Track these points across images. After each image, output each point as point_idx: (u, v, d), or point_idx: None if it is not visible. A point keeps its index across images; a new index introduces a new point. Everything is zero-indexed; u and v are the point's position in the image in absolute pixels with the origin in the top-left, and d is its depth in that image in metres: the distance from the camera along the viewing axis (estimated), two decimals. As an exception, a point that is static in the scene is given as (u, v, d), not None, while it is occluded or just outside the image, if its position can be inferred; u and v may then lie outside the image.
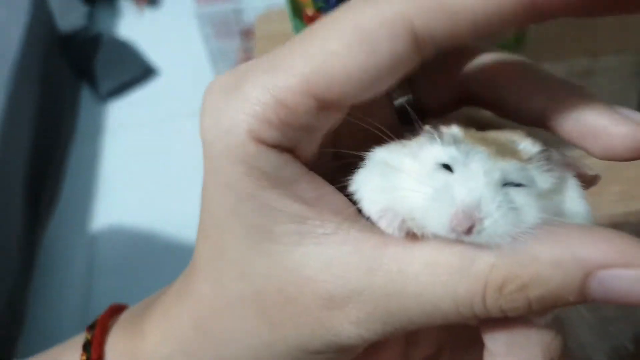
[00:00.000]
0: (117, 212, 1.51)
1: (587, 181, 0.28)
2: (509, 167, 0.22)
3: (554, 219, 0.22)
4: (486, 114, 0.28)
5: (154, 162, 1.60)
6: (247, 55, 1.41)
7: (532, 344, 0.24)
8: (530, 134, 0.25)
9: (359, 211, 0.25)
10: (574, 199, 0.24)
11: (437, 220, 0.22)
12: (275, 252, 0.25)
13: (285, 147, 0.24)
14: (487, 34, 0.21)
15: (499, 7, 0.20)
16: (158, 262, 1.25)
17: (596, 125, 0.24)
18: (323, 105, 0.23)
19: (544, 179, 0.23)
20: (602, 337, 0.47)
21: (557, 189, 0.24)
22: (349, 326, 0.24)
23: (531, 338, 0.24)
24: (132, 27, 1.94)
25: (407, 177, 0.23)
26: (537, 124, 0.26)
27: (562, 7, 0.21)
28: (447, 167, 0.23)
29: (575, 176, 0.25)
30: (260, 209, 0.24)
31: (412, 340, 0.34)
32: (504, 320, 0.24)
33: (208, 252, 0.27)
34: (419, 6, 0.21)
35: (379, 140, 0.26)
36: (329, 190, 0.25)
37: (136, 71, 1.73)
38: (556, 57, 0.67)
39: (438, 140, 0.23)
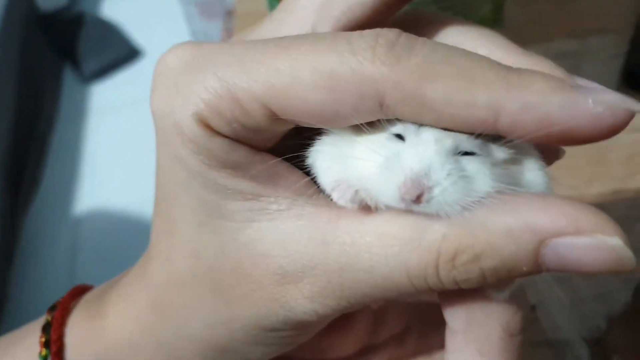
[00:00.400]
0: (100, 194, 1.50)
1: (552, 155, 0.27)
2: (462, 136, 0.22)
3: (508, 188, 0.21)
4: None
5: (138, 144, 1.57)
6: (230, 35, 1.40)
7: (492, 321, 0.24)
8: None
9: (318, 186, 0.25)
10: (532, 170, 0.24)
11: (387, 189, 0.22)
12: (228, 229, 0.24)
13: (234, 138, 0.23)
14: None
15: (467, 116, 0.21)
16: (141, 245, 1.23)
17: None
18: (276, 117, 0.23)
19: (500, 149, 0.22)
20: (577, 317, 0.47)
21: (515, 160, 0.23)
22: (304, 301, 0.24)
23: (491, 314, 0.24)
24: (115, 7, 1.91)
25: (360, 146, 0.23)
26: None
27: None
28: (401, 137, 0.22)
29: (536, 148, 0.24)
30: (210, 186, 0.24)
31: (379, 319, 0.34)
32: (463, 297, 0.24)
33: (160, 227, 0.27)
34: (394, 86, 0.21)
35: None
36: (284, 168, 0.25)
37: (120, 52, 1.71)
38: (536, 39, 0.66)
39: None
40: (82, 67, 1.69)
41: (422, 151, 0.21)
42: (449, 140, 0.22)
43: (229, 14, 1.35)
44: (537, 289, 0.49)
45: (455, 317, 0.24)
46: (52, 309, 0.33)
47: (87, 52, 1.68)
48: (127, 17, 1.84)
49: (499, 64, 0.21)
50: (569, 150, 0.57)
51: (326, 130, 0.25)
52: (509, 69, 0.21)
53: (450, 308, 0.24)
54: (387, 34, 0.21)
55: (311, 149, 0.25)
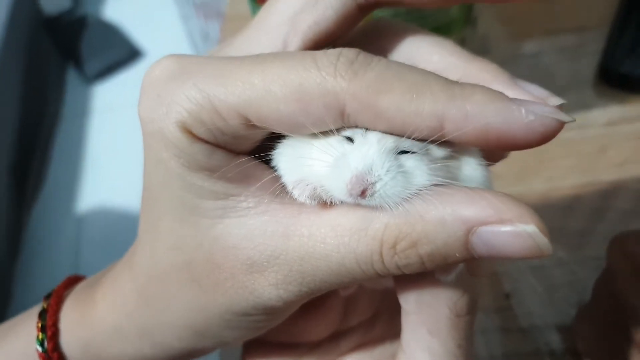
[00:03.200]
0: (103, 192, 1.52)
1: (496, 155, 0.30)
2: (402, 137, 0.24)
3: (444, 182, 0.24)
4: None
5: (139, 143, 1.58)
6: (226, 36, 1.42)
7: (440, 302, 0.26)
8: None
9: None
10: (471, 165, 0.26)
11: (337, 186, 0.24)
12: (202, 225, 0.27)
13: (214, 144, 0.25)
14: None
15: (415, 123, 0.23)
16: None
17: None
18: (251, 124, 0.25)
19: (439, 149, 0.25)
20: (549, 305, 0.50)
21: (454, 157, 0.25)
22: (269, 288, 0.26)
23: (438, 296, 0.26)
24: (118, 8, 1.93)
25: (315, 149, 0.25)
26: None
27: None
28: (351, 140, 0.25)
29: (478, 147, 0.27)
30: (187, 186, 0.26)
31: (349, 306, 0.36)
32: (414, 281, 0.26)
33: (145, 222, 0.29)
34: (352, 98, 0.23)
35: None
36: (257, 168, 0.27)
37: (122, 53, 1.73)
38: (512, 37, 0.68)
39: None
40: (85, 67, 1.71)
41: (366, 151, 0.24)
42: (389, 140, 0.24)
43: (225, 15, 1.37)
44: (512, 278, 0.51)
45: (408, 300, 0.27)
46: (47, 297, 0.35)
47: (90, 54, 1.70)
48: (128, 19, 1.86)
49: (444, 79, 0.24)
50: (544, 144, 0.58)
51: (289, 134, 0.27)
52: (453, 82, 0.23)
53: (403, 291, 0.27)
54: (347, 53, 0.24)
55: (275, 151, 0.27)
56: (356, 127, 0.24)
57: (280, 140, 0.27)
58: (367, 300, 0.37)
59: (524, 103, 0.23)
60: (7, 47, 1.44)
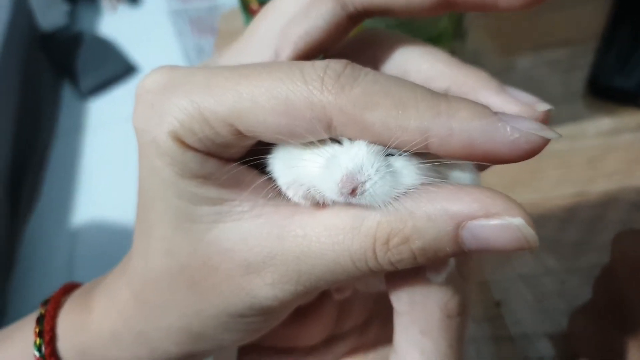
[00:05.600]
0: (97, 207, 1.52)
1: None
2: None
3: (433, 180, 0.25)
4: None
5: (133, 159, 1.59)
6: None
7: (431, 303, 0.27)
8: None
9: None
10: (459, 166, 0.27)
11: (328, 185, 0.25)
12: (197, 230, 0.27)
13: (205, 152, 0.26)
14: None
15: (401, 138, 0.24)
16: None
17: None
18: (241, 134, 0.25)
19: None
20: (539, 312, 0.50)
21: (443, 159, 0.26)
22: (265, 287, 0.27)
23: (430, 296, 0.27)
24: (113, 25, 1.94)
25: (307, 151, 0.26)
26: None
27: None
28: (340, 142, 0.26)
29: None
30: (182, 194, 0.27)
31: (344, 310, 0.37)
32: (405, 281, 0.27)
33: (140, 230, 0.30)
34: (339, 112, 0.24)
35: None
36: (249, 174, 0.28)
37: (117, 69, 1.74)
38: (502, 51, 0.69)
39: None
40: (80, 83, 1.72)
41: (356, 152, 0.25)
42: None
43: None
44: (502, 286, 0.52)
45: (400, 300, 0.28)
46: (45, 303, 0.35)
47: (85, 69, 1.71)
48: (123, 35, 1.88)
49: (431, 93, 0.24)
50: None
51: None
52: (439, 97, 0.24)
53: (395, 292, 0.28)
54: (334, 66, 0.25)
55: (270, 157, 0.28)
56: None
57: (273, 146, 0.28)
58: (360, 305, 0.37)
59: (510, 119, 0.23)
60: (2, 63, 1.45)
